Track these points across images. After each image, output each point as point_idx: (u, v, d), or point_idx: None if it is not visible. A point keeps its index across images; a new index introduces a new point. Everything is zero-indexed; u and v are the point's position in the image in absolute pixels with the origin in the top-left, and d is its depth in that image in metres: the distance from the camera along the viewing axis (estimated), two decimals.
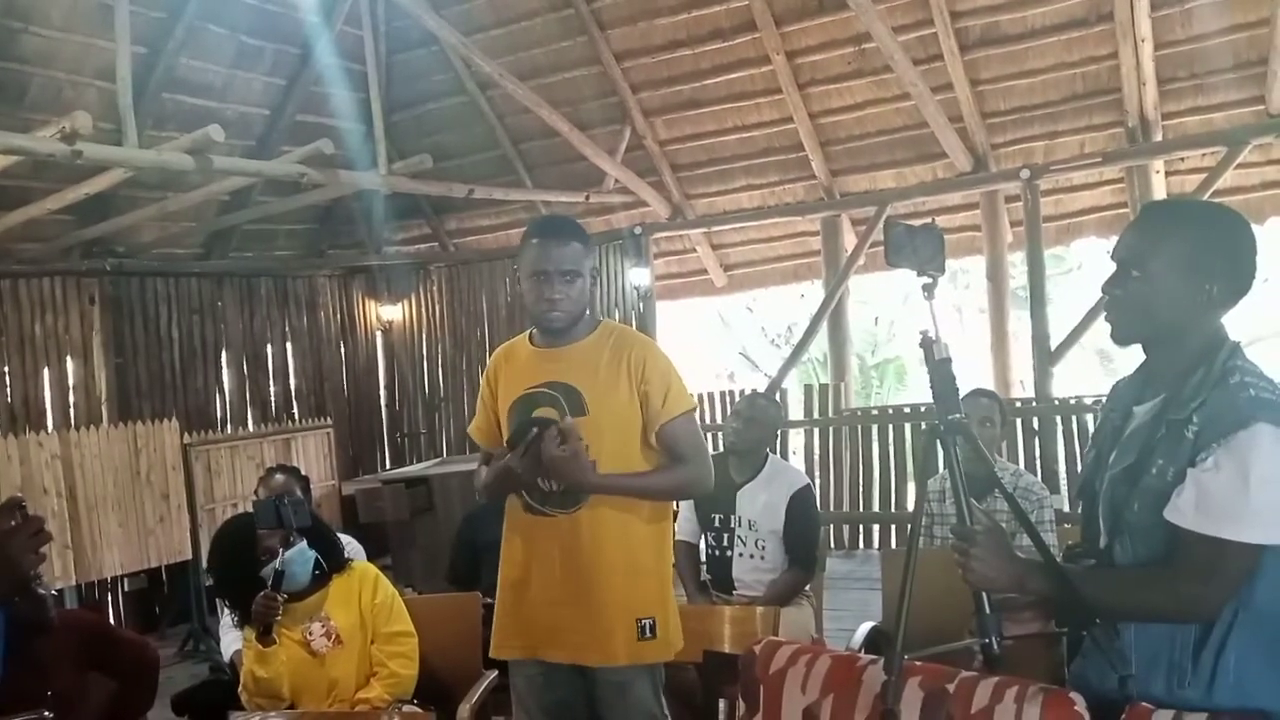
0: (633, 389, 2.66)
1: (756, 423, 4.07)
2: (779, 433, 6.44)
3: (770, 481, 4.02)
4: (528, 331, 2.88)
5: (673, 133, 8.75)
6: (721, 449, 4.14)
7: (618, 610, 2.64)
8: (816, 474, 8.22)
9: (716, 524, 4.02)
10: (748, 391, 6.29)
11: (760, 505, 3.97)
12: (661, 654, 2.71)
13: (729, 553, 3.99)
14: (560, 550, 2.66)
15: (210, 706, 3.65)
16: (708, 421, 8.63)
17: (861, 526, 8.25)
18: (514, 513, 2.76)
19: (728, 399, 8.80)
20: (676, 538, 4.00)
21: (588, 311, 2.76)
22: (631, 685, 2.67)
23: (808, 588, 4.06)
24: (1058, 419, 7.35)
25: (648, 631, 2.66)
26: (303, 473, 4.49)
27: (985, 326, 8.07)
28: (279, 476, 4.27)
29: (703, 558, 4.14)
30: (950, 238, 2.08)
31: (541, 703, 2.74)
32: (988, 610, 1.83)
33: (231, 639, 3.99)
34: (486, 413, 2.85)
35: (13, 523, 1.73)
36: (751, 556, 3.96)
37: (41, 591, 3.15)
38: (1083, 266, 14.45)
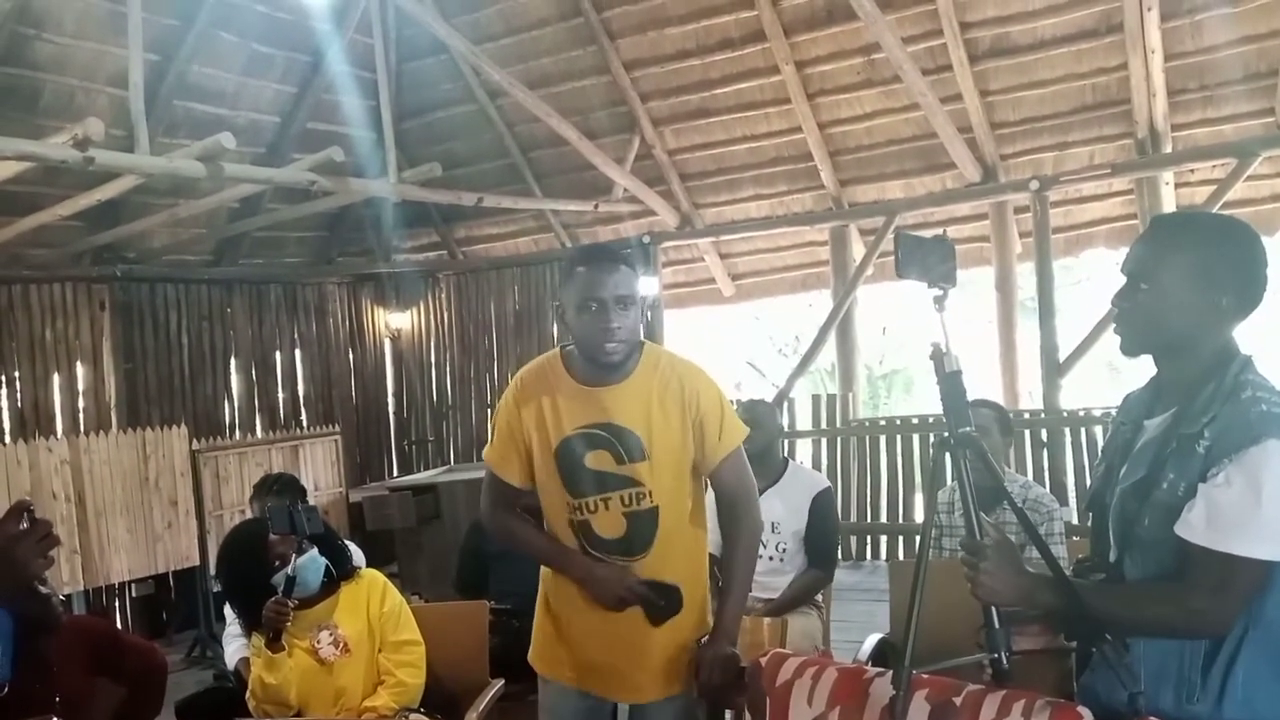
0: (686, 423, 2.50)
1: (759, 427, 4.12)
2: (785, 442, 6.44)
3: (792, 485, 4.08)
4: (555, 354, 2.60)
5: (681, 142, 8.76)
6: None
7: (680, 648, 2.57)
8: None
9: None
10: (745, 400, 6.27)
11: (783, 508, 4.01)
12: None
13: None
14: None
15: (215, 713, 3.66)
16: None
17: (869, 537, 8.22)
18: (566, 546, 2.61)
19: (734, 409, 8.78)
20: None
21: None
22: (670, 706, 2.60)
23: (818, 597, 4.07)
24: (1066, 431, 7.32)
25: None
26: (302, 482, 4.48)
27: (994, 338, 8.05)
28: (272, 495, 4.23)
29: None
30: (959, 248, 2.07)
31: (569, 713, 2.68)
32: (997, 625, 1.82)
33: (236, 648, 3.99)
34: (515, 444, 2.57)
35: (21, 526, 1.73)
36: (771, 559, 3.98)
37: (45, 590, 3.15)
38: (1092, 278, 14.40)
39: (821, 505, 4.03)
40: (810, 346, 8.96)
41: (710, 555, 4.02)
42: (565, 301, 2.48)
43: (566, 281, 2.48)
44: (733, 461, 2.56)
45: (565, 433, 2.50)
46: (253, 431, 8.82)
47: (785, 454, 4.28)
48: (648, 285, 8.90)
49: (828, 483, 4.23)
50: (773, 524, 4.00)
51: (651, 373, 2.52)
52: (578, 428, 2.49)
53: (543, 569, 2.71)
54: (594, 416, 2.48)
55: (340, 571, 3.28)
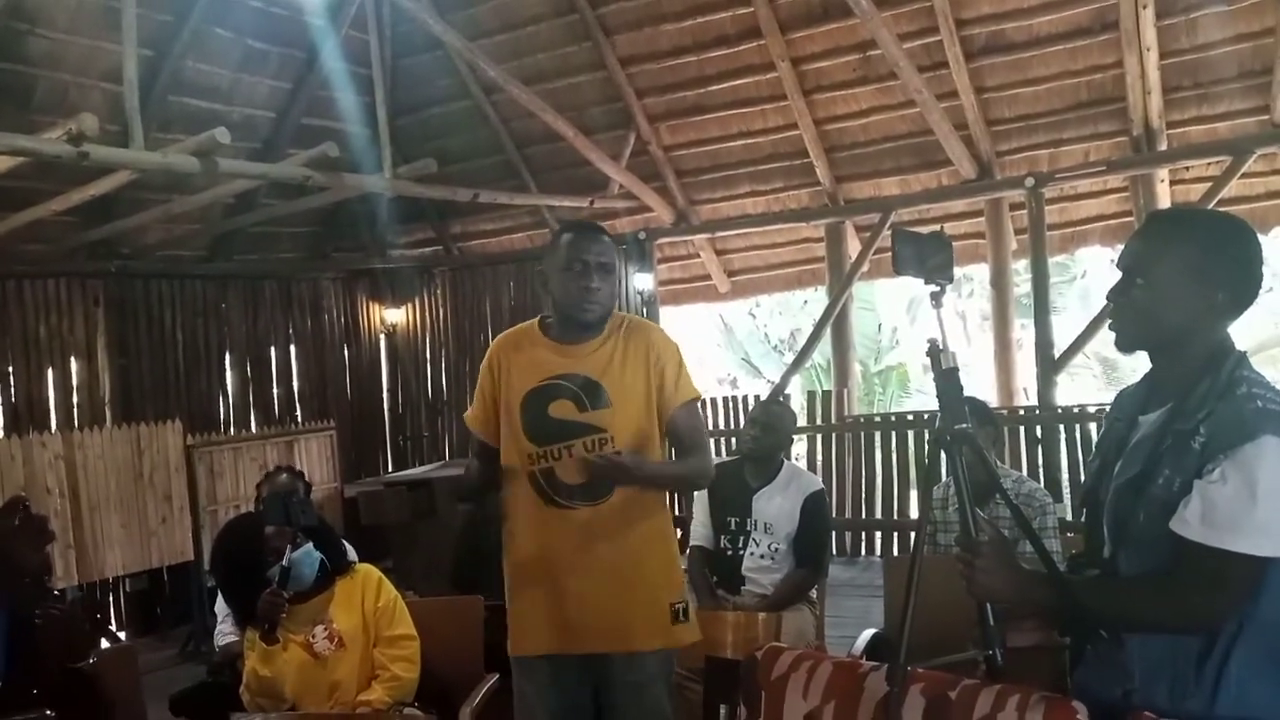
0: (649, 376, 2.68)
1: (774, 429, 4.14)
2: None
3: (786, 485, 4.08)
4: (534, 321, 2.84)
5: (677, 138, 8.75)
6: (737, 455, 4.21)
7: (655, 596, 2.67)
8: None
9: (732, 527, 4.07)
10: (754, 397, 6.28)
11: (776, 509, 4.02)
12: (693, 635, 2.76)
13: (741, 553, 4.02)
14: (589, 542, 2.65)
15: (209, 707, 3.65)
16: (711, 427, 8.64)
17: (864, 533, 8.24)
18: (529, 507, 2.71)
19: (731, 405, 8.81)
20: (691, 543, 4.05)
21: None
22: (648, 687, 2.65)
23: (812, 593, 4.08)
24: (1061, 428, 7.33)
25: (681, 615, 2.69)
26: (305, 476, 4.50)
27: (989, 334, 8.05)
28: (284, 476, 4.28)
29: None
30: (954, 245, 2.07)
31: (550, 708, 2.71)
32: (991, 621, 1.83)
33: (228, 628, 4.00)
34: (485, 402, 2.82)
35: (16, 521, 1.73)
36: (763, 557, 4.00)
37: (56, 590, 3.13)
38: (1087, 275, 14.42)
39: (812, 507, 4.03)
40: (806, 343, 8.97)
41: (702, 549, 4.09)
42: (549, 267, 2.71)
43: (553, 248, 2.71)
44: (688, 410, 2.74)
45: (533, 384, 2.69)
46: (247, 427, 8.81)
47: (784, 452, 4.29)
48: (643, 281, 8.90)
49: (820, 484, 4.24)
50: (766, 525, 4.01)
51: (615, 330, 2.72)
52: (543, 379, 2.68)
53: (514, 553, 2.78)
54: (560, 368, 2.68)
55: (335, 566, 3.28)
